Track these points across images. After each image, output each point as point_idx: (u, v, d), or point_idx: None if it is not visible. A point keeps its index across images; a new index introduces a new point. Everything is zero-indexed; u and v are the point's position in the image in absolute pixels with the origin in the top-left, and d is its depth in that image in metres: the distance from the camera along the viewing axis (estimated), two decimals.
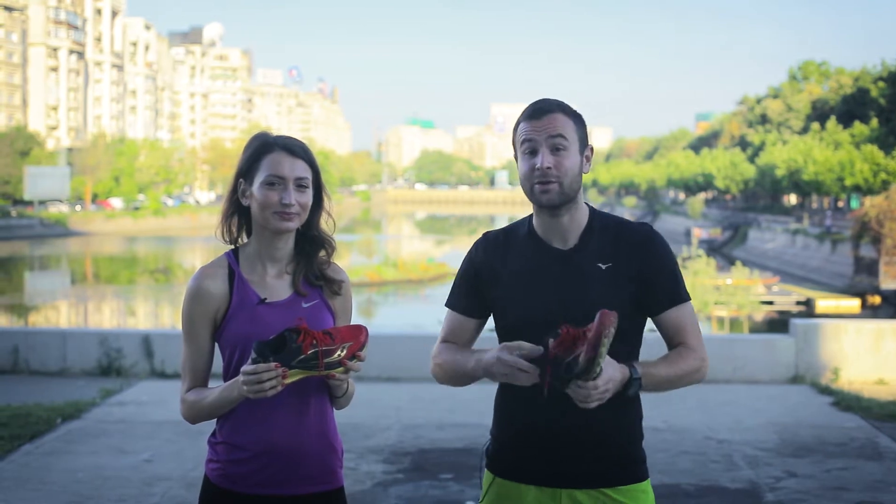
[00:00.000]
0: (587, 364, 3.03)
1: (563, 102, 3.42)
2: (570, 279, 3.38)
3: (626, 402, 3.34)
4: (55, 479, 8.20)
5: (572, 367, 3.05)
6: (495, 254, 3.49)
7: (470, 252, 3.57)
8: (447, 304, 3.60)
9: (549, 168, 3.31)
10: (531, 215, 3.52)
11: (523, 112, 3.42)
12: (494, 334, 3.49)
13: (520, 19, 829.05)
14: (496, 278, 3.45)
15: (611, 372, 3.13)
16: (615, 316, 3.04)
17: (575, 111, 3.43)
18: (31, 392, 12.25)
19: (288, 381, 3.19)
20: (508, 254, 3.48)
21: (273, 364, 3.15)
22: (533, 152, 3.35)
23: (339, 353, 3.24)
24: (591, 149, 3.47)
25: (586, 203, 3.50)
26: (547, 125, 3.34)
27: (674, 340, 3.45)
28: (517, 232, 3.52)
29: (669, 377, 3.35)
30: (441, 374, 3.55)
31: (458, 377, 3.48)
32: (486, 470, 3.54)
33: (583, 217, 3.45)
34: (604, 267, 3.38)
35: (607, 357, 3.10)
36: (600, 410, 3.21)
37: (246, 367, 3.17)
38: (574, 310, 3.31)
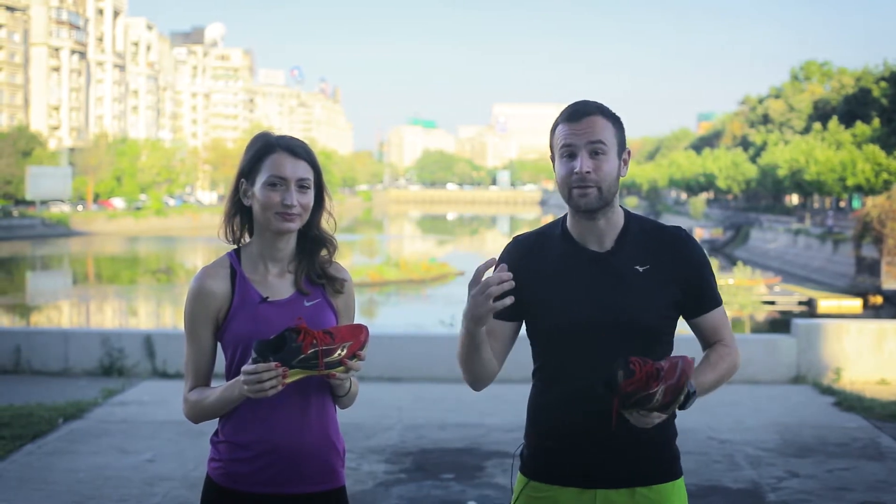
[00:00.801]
0: (664, 406, 3.08)
1: (602, 105, 3.40)
2: (607, 281, 3.37)
3: None
4: (57, 478, 8.20)
5: (643, 403, 3.07)
6: (528, 257, 3.47)
7: (502, 256, 3.53)
8: None
9: (588, 172, 3.29)
10: (563, 218, 3.50)
11: (561, 114, 3.40)
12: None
13: (521, 19, 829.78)
14: (529, 282, 3.41)
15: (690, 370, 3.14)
16: (695, 362, 3.12)
17: (614, 114, 3.41)
18: (32, 392, 12.25)
19: (288, 380, 3.19)
20: (542, 257, 3.46)
21: (273, 364, 3.15)
22: (572, 156, 3.33)
23: (339, 352, 3.23)
24: (629, 152, 3.45)
25: (621, 206, 3.48)
26: (586, 128, 3.32)
27: (711, 340, 3.49)
28: (550, 234, 3.50)
29: (715, 381, 3.39)
30: (462, 359, 3.44)
31: (466, 354, 3.37)
32: (518, 472, 3.53)
33: (619, 220, 3.43)
34: (641, 269, 3.38)
35: None
36: None
37: (246, 367, 3.17)
38: (611, 312, 3.32)
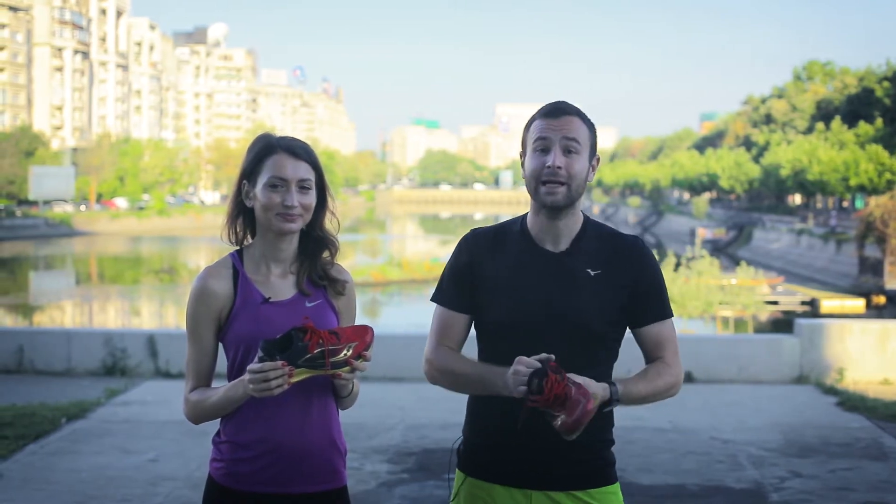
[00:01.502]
0: (563, 432, 3.13)
1: (579, 109, 3.43)
2: (558, 282, 3.38)
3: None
4: (60, 478, 8.20)
5: (547, 417, 3.13)
6: (484, 251, 3.49)
7: (458, 247, 3.56)
8: (434, 299, 3.59)
9: (559, 168, 3.31)
10: (524, 215, 3.53)
11: (539, 110, 3.43)
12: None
13: (523, 19, 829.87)
14: (483, 275, 3.45)
15: (594, 393, 3.16)
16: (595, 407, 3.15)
17: (589, 119, 3.45)
18: (35, 392, 12.26)
19: (294, 380, 3.19)
20: (498, 252, 3.47)
21: (280, 363, 3.15)
22: (545, 150, 3.35)
23: (345, 352, 3.24)
24: (598, 159, 3.48)
25: (581, 211, 3.50)
26: (563, 126, 3.35)
27: (652, 354, 3.49)
28: (509, 230, 3.52)
29: (647, 394, 3.38)
30: (439, 379, 3.53)
31: (470, 389, 3.48)
32: (457, 469, 3.57)
33: (577, 222, 3.46)
34: (593, 273, 3.39)
35: (591, 381, 3.17)
36: None
37: (252, 366, 3.17)
38: (558, 313, 3.34)
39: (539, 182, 3.35)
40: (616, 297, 3.39)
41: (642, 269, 3.44)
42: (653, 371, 3.43)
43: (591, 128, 3.43)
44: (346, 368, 3.25)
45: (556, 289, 3.37)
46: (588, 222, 3.49)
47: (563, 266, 3.40)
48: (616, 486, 3.47)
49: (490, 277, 3.44)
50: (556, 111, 3.39)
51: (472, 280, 3.47)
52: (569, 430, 3.10)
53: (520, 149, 3.50)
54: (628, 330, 3.51)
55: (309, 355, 3.18)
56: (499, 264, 3.44)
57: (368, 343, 3.30)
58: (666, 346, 3.47)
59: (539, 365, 3.12)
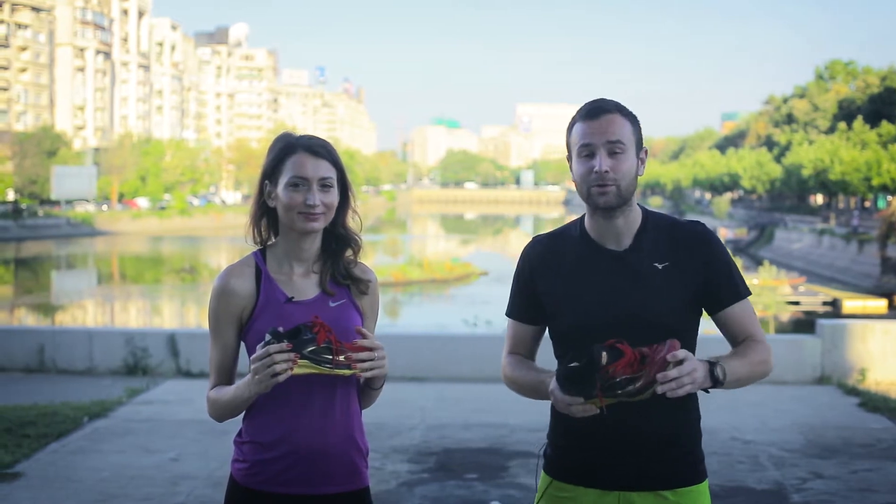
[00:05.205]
0: (642, 388, 3.03)
1: (619, 103, 3.39)
2: (626, 280, 3.35)
3: (686, 403, 3.33)
4: (81, 477, 8.23)
5: (623, 385, 3.02)
6: (547, 257, 3.48)
7: (521, 257, 3.55)
8: (507, 314, 3.59)
9: (606, 171, 3.28)
10: (581, 217, 3.49)
11: (579, 111, 3.39)
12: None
13: (545, 19, 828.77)
14: (549, 282, 3.43)
15: (695, 364, 3.08)
16: (680, 345, 3.06)
17: (631, 112, 3.41)
18: (57, 391, 12.31)
19: (296, 370, 3.16)
20: (561, 257, 3.45)
21: (285, 344, 3.14)
22: (591, 155, 3.32)
23: (349, 355, 3.23)
24: (646, 150, 3.45)
25: (639, 204, 3.47)
26: (605, 127, 3.31)
27: (739, 336, 3.43)
28: (568, 234, 3.50)
29: (746, 373, 3.31)
30: (513, 387, 3.55)
31: (530, 394, 3.48)
32: (542, 472, 3.53)
33: (636, 218, 3.42)
34: (660, 266, 3.36)
35: (692, 355, 3.08)
36: (661, 412, 3.24)
37: (257, 353, 3.17)
38: (630, 311, 3.31)
39: (589, 186, 3.32)
40: (688, 287, 3.35)
41: (709, 253, 3.39)
42: (744, 348, 3.38)
43: (634, 121, 3.39)
44: (348, 371, 3.24)
45: (625, 287, 3.34)
46: (648, 215, 3.45)
47: (628, 264, 3.37)
48: (705, 485, 3.41)
49: (555, 285, 3.42)
50: (596, 111, 3.34)
51: (536, 290, 3.46)
52: (656, 369, 3.01)
53: (566, 152, 3.46)
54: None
55: (315, 347, 3.17)
56: (562, 270, 3.43)
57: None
58: (750, 326, 3.42)
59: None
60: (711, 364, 3.18)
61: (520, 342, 3.56)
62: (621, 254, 3.39)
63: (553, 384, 3.16)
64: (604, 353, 3.02)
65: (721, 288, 3.40)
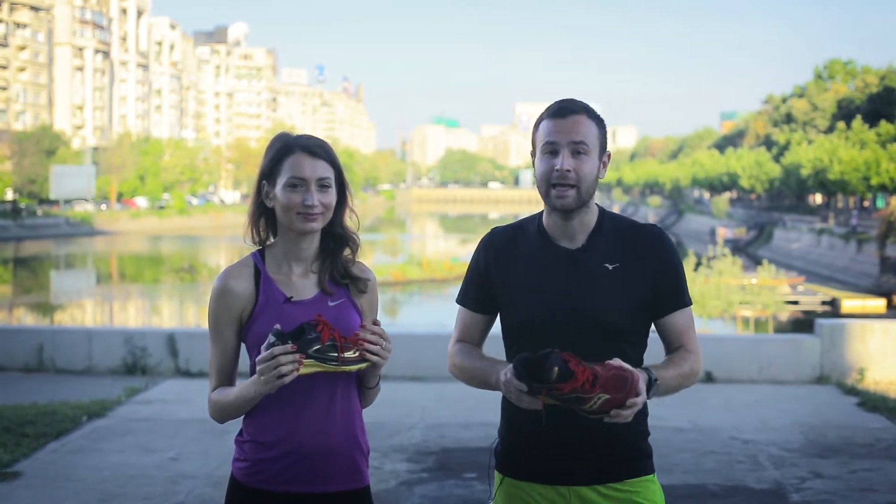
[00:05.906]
0: (592, 412, 3.05)
1: (587, 105, 3.42)
2: (577, 279, 3.38)
3: None
4: (81, 477, 8.23)
5: (571, 402, 3.04)
6: (503, 250, 3.51)
7: (478, 248, 3.59)
8: (458, 301, 3.63)
9: (568, 171, 3.31)
10: (541, 213, 3.53)
11: (547, 110, 3.42)
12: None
13: (544, 19, 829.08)
14: (503, 274, 3.47)
15: (643, 395, 3.09)
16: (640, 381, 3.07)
17: (598, 115, 3.43)
18: (56, 390, 12.31)
19: (302, 370, 3.17)
20: (516, 251, 3.49)
21: (290, 345, 3.14)
22: (554, 153, 3.35)
23: (353, 353, 3.23)
24: (609, 155, 3.48)
25: (596, 204, 3.50)
26: (571, 126, 3.34)
27: (674, 344, 3.47)
28: (526, 229, 3.53)
29: (678, 381, 3.36)
30: (459, 375, 3.59)
31: (476, 383, 3.52)
32: (495, 470, 3.58)
33: (592, 218, 3.45)
34: (611, 267, 3.39)
35: (643, 389, 3.09)
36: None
37: (261, 356, 3.18)
38: (579, 310, 3.34)
39: (549, 185, 3.35)
40: (637, 290, 3.38)
41: (658, 257, 3.42)
42: (677, 358, 3.41)
43: (600, 124, 3.41)
44: (354, 367, 3.25)
45: (575, 286, 3.37)
46: (604, 216, 3.48)
47: (580, 262, 3.40)
48: (654, 477, 3.46)
49: (509, 277, 3.46)
50: (564, 110, 3.37)
51: (490, 281, 3.50)
52: (611, 405, 3.01)
53: (531, 148, 3.49)
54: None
55: (319, 346, 3.18)
56: (517, 264, 3.46)
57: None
58: (687, 334, 3.46)
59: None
60: (650, 378, 3.21)
61: (469, 331, 3.60)
62: (574, 252, 3.42)
63: (509, 371, 3.14)
64: (556, 370, 3.02)
65: (666, 295, 3.44)
